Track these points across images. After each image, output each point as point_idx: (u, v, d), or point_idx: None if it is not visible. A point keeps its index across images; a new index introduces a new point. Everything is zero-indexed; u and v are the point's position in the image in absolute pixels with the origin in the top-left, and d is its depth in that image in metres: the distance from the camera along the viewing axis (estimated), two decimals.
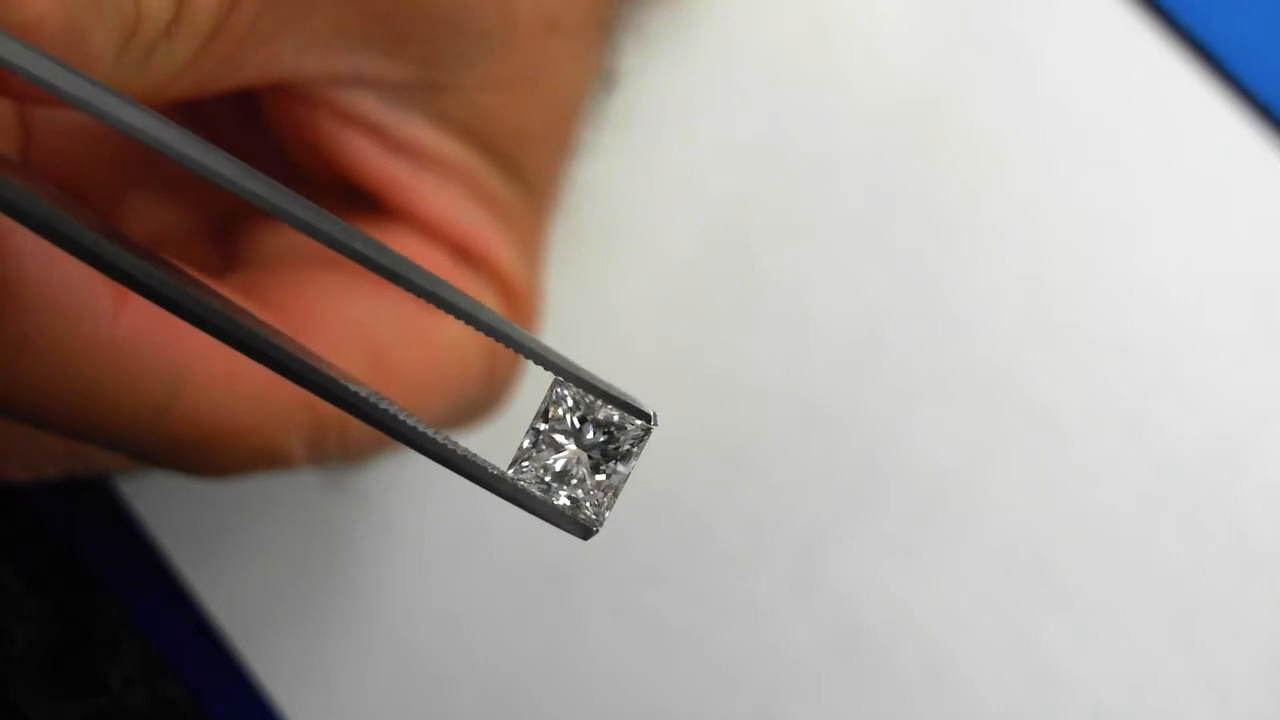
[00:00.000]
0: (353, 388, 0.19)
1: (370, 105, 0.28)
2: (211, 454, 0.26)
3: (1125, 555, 0.35)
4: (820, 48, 0.38)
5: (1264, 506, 0.35)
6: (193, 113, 0.29)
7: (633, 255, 0.37)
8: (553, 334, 0.33)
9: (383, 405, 0.20)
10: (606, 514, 0.20)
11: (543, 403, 0.20)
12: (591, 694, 0.35)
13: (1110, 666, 0.35)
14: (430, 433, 0.20)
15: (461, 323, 0.20)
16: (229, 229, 0.30)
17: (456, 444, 0.20)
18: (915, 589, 0.35)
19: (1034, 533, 0.35)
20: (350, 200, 0.29)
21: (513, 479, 0.20)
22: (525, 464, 0.20)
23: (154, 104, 0.25)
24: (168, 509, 0.36)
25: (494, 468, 0.20)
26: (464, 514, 0.36)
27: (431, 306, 0.20)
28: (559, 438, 0.20)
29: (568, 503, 0.20)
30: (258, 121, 0.30)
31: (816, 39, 0.38)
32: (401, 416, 0.20)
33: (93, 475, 0.36)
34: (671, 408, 0.36)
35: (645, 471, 0.36)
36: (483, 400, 0.30)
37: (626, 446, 0.20)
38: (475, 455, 0.20)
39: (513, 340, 0.20)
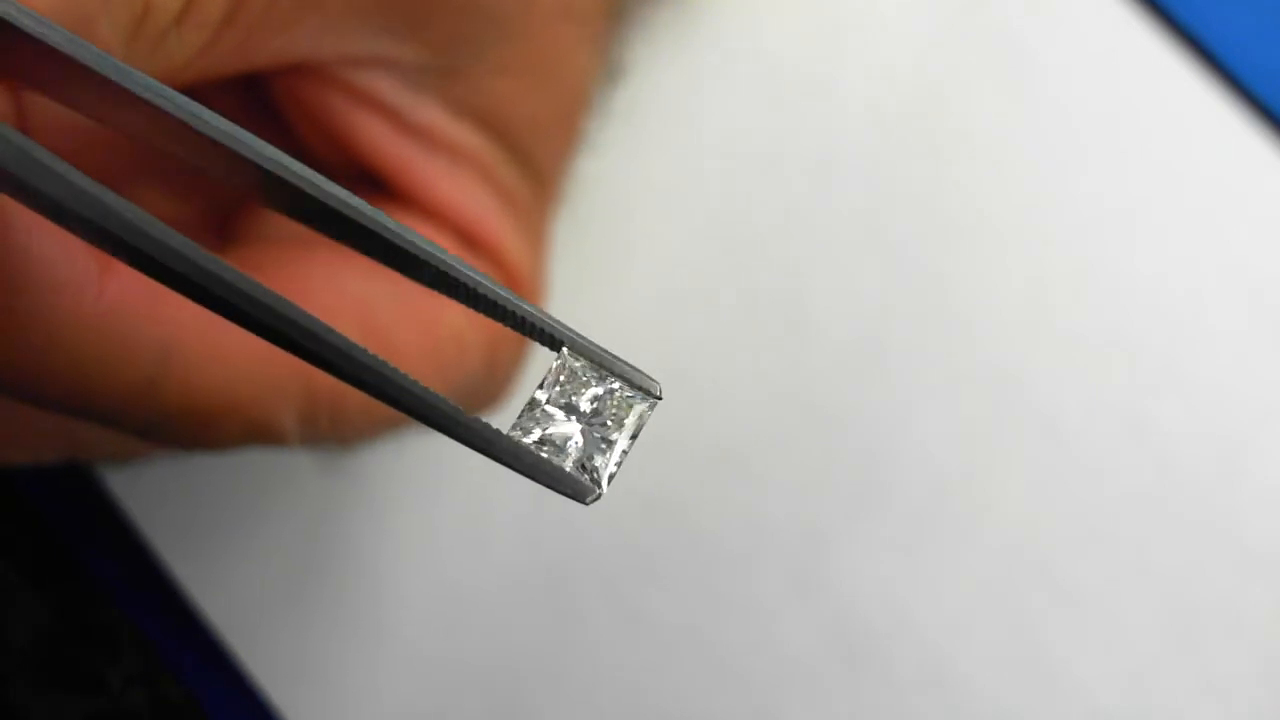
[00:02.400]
0: (341, 343, 0.19)
1: (385, 87, 0.28)
2: (204, 428, 0.26)
3: (1125, 555, 0.35)
4: (822, 47, 0.38)
5: (1264, 506, 0.35)
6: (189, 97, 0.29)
7: (634, 250, 0.37)
8: None
9: (371, 362, 0.19)
10: (606, 482, 0.20)
11: (546, 373, 0.20)
12: (591, 693, 0.35)
13: (1110, 666, 0.35)
14: (416, 385, 0.20)
15: (463, 307, 0.20)
16: (229, 217, 0.30)
17: (445, 401, 0.20)
18: (915, 589, 0.35)
19: (1034, 532, 0.35)
20: (357, 184, 0.29)
21: (511, 440, 0.20)
22: (525, 429, 0.20)
23: None
24: (163, 511, 0.36)
25: (491, 429, 0.20)
26: (464, 513, 0.36)
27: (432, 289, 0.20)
28: (561, 408, 0.20)
29: (570, 469, 0.20)
30: (258, 103, 0.30)
31: (818, 38, 0.38)
32: (388, 372, 0.19)
33: (89, 469, 0.36)
34: (671, 406, 0.36)
35: (645, 471, 0.36)
36: (483, 390, 0.30)
37: (631, 419, 0.20)
38: (469, 417, 0.20)
39: (519, 312, 0.20)
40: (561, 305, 0.33)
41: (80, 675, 0.36)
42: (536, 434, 0.20)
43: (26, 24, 0.19)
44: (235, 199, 0.30)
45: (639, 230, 0.37)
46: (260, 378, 0.25)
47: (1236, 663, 0.35)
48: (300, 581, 0.36)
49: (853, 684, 0.35)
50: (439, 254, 0.20)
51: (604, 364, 0.20)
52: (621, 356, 0.20)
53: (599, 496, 0.20)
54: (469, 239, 0.30)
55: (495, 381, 0.31)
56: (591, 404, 0.20)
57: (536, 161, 0.30)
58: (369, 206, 0.20)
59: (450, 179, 0.29)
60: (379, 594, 0.36)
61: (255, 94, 0.30)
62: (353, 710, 0.35)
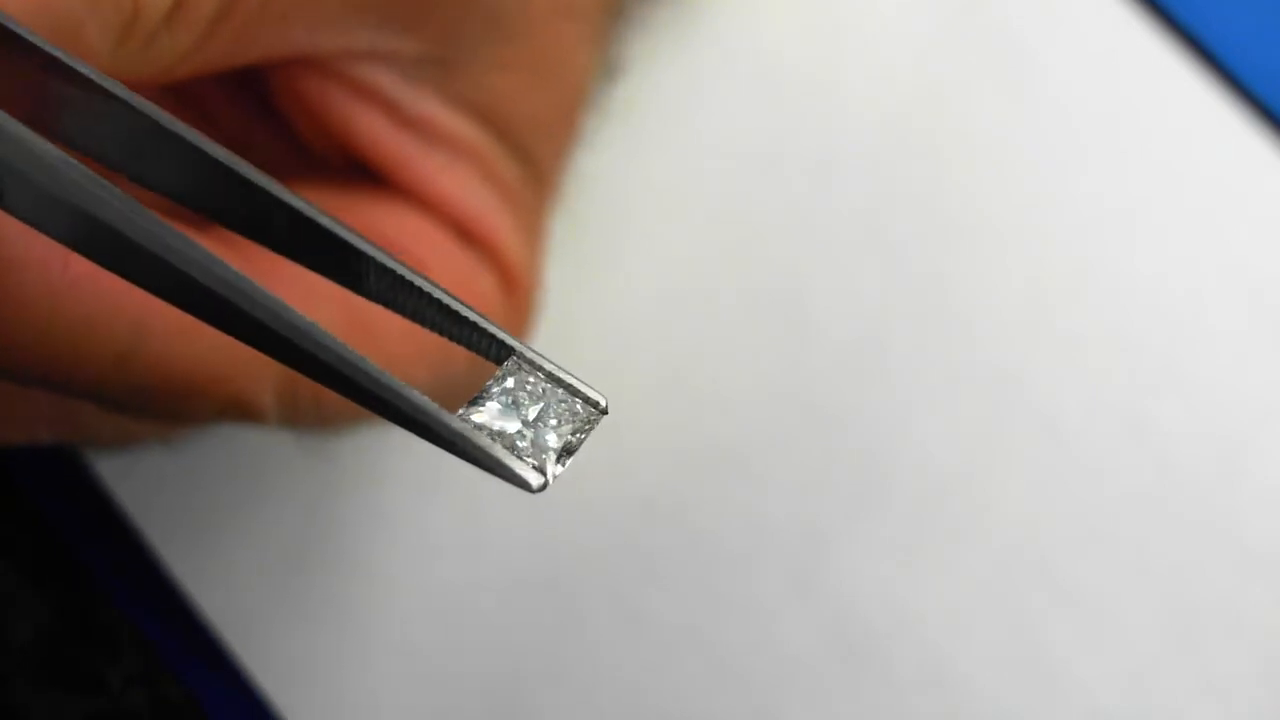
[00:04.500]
0: (274, 305, 0.19)
1: (384, 80, 0.28)
2: (181, 403, 0.25)
3: (1125, 555, 0.35)
4: (822, 47, 0.38)
5: (1264, 506, 0.35)
6: (178, 90, 0.29)
7: (633, 249, 0.37)
8: (551, 325, 0.33)
9: (304, 325, 0.19)
10: (553, 476, 0.20)
11: (491, 381, 0.20)
12: (591, 693, 0.35)
13: (1110, 666, 0.35)
14: (364, 363, 0.19)
15: None
16: None
17: (388, 378, 0.19)
18: (915, 589, 0.35)
19: (1034, 532, 0.35)
20: (354, 178, 0.29)
21: (459, 425, 0.20)
22: (473, 421, 0.20)
23: (156, 86, 0.25)
24: (159, 508, 0.36)
25: (439, 411, 0.19)
26: (463, 511, 0.36)
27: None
28: (508, 411, 0.20)
29: (517, 459, 0.20)
30: (253, 96, 0.30)
31: (818, 38, 0.38)
32: (319, 336, 0.19)
33: (86, 465, 0.36)
34: (671, 406, 0.36)
35: (645, 471, 0.36)
36: (470, 388, 0.30)
37: (572, 430, 0.20)
38: (417, 399, 0.19)
39: (471, 318, 0.20)
40: (559, 304, 0.33)
41: (80, 675, 0.36)
42: (483, 423, 0.20)
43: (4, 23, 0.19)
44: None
45: (638, 229, 0.37)
46: (236, 353, 0.25)
47: (1236, 663, 0.35)
48: (299, 581, 0.36)
49: (853, 684, 0.35)
50: (384, 255, 0.20)
51: (552, 376, 0.20)
52: (567, 369, 0.20)
53: (545, 485, 0.20)
54: (467, 233, 0.30)
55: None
56: (537, 412, 0.20)
57: (536, 158, 0.30)
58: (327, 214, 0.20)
59: (449, 173, 0.29)
60: (378, 594, 0.36)
61: (251, 87, 0.30)
62: (351, 710, 0.35)
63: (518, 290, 0.30)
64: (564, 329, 0.34)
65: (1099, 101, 0.38)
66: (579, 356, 0.34)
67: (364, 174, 0.30)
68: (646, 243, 0.37)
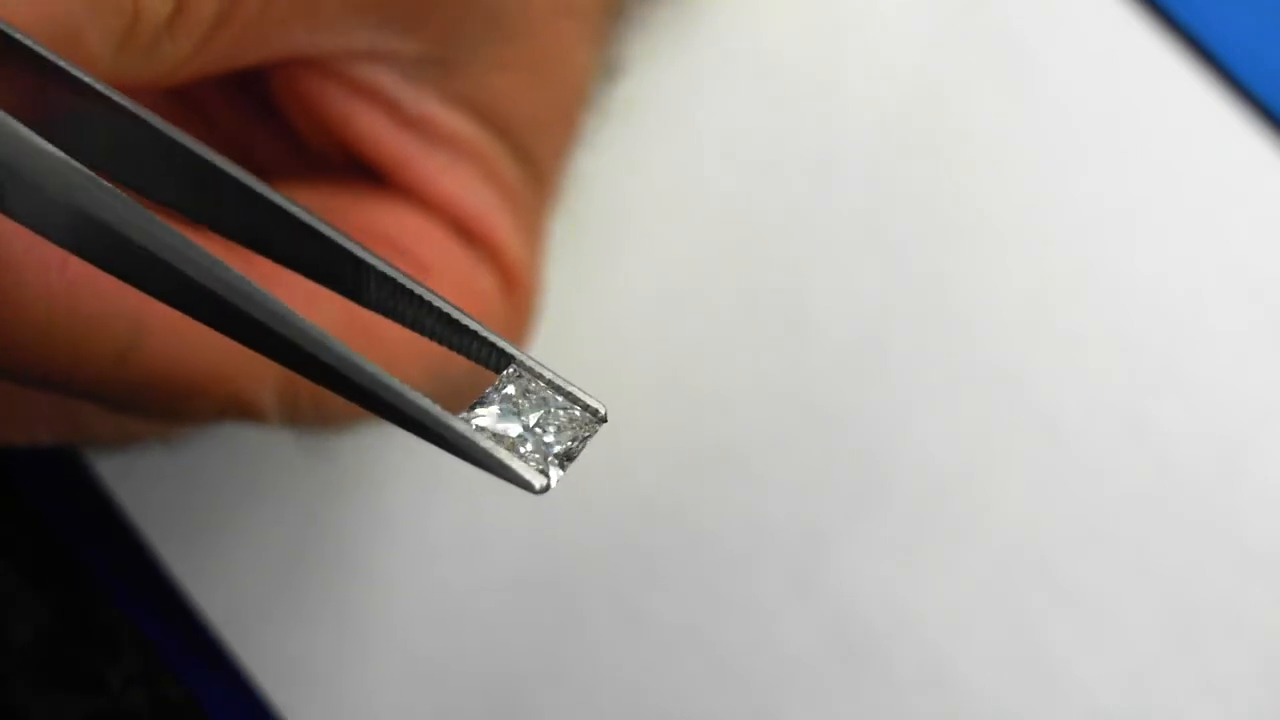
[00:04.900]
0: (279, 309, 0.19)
1: (385, 79, 0.28)
2: (180, 402, 0.25)
3: (1125, 555, 0.35)
4: (822, 47, 0.38)
5: (1264, 506, 0.35)
6: (178, 93, 0.29)
7: (632, 249, 0.37)
8: (551, 325, 0.33)
9: (304, 326, 0.19)
10: (555, 478, 0.20)
11: (491, 389, 0.20)
12: (591, 693, 0.35)
13: (1110, 666, 0.35)
14: (359, 359, 0.19)
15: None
16: None
17: (390, 380, 0.19)
18: (915, 589, 0.35)
19: (1034, 532, 0.35)
20: (355, 177, 0.29)
21: (461, 427, 0.20)
22: (474, 424, 0.20)
23: (157, 90, 0.25)
24: (160, 509, 0.36)
25: (445, 414, 0.19)
26: (463, 511, 0.36)
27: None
28: (507, 416, 0.20)
29: (520, 461, 0.20)
30: (253, 96, 0.30)
31: (818, 38, 0.38)
32: (320, 338, 0.19)
33: (86, 466, 0.36)
34: (671, 406, 0.36)
35: (645, 471, 0.36)
36: (472, 392, 0.30)
37: (572, 437, 0.20)
38: (418, 401, 0.19)
39: (471, 326, 0.20)
40: (559, 304, 0.33)
41: (80, 675, 0.36)
42: (485, 426, 0.20)
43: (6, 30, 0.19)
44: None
45: (637, 229, 0.37)
46: (236, 353, 0.25)
47: (1236, 663, 0.35)
48: (299, 581, 0.36)
49: (853, 684, 0.35)
50: (383, 264, 0.20)
51: (552, 384, 0.20)
52: (566, 377, 0.21)
53: (548, 486, 0.20)
54: (467, 233, 0.30)
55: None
56: (538, 418, 0.20)
57: (536, 158, 0.30)
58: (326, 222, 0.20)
59: (450, 172, 0.29)
60: (378, 594, 0.36)
61: (250, 88, 0.30)
62: (351, 710, 0.35)
63: (518, 290, 0.30)
64: (564, 329, 0.34)
65: (1099, 101, 0.38)
66: (578, 356, 0.34)
67: (364, 174, 0.30)
68: (646, 243, 0.37)
